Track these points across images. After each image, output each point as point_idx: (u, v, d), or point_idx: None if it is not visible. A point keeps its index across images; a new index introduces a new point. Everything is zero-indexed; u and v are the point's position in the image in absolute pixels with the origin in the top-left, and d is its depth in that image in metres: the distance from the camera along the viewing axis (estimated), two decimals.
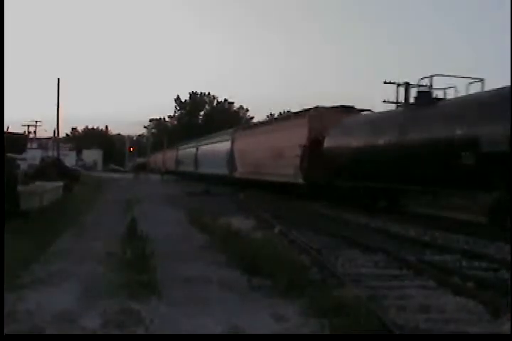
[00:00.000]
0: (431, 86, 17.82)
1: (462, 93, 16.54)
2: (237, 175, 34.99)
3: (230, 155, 36.75)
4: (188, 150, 57.45)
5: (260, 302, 6.08)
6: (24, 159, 33.91)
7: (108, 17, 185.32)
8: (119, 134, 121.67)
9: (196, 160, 50.75)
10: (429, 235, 12.82)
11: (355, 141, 19.84)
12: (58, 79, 39.99)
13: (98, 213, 16.94)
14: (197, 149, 51.26)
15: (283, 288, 6.50)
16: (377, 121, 19.60)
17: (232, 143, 37.04)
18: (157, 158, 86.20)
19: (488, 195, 13.52)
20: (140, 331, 4.97)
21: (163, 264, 8.15)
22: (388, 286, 7.26)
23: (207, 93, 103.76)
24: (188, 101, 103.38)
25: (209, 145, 46.14)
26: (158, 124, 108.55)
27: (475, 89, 16.19)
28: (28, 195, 14.89)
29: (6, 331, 4.73)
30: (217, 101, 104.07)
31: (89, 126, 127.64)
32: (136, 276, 6.99)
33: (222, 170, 38.18)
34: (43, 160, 36.04)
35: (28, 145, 29.36)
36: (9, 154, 13.67)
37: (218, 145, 41.50)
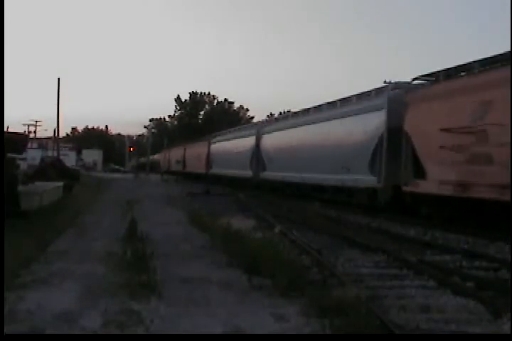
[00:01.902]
0: None
1: None
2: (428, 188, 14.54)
3: (378, 146, 17.51)
4: (234, 141, 37.07)
5: (261, 302, 6.08)
6: (24, 159, 33.97)
7: (108, 16, 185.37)
8: (119, 134, 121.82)
9: (258, 158, 31.03)
10: (429, 235, 12.83)
11: None
12: (58, 78, 40.07)
13: (98, 213, 16.93)
14: (258, 139, 31.58)
15: (283, 288, 6.49)
16: None
17: (392, 116, 16.88)
18: (171, 157, 66.36)
19: None
20: (140, 331, 4.97)
21: (163, 264, 8.15)
22: (388, 286, 7.26)
23: (207, 93, 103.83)
24: (188, 101, 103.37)
25: (295, 131, 26.04)
26: (158, 124, 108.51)
27: None
28: (28, 195, 14.90)
29: (6, 331, 4.72)
30: (217, 101, 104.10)
31: (89, 126, 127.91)
32: (137, 276, 6.98)
33: (345, 176, 19.59)
34: (42, 160, 36.05)
35: (28, 145, 29.39)
36: (9, 154, 13.68)
37: (329, 128, 21.88)
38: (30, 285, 6.62)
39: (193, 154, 51.33)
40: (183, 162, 56.49)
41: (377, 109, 18.18)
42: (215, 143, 43.66)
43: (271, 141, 29.76)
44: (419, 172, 15.22)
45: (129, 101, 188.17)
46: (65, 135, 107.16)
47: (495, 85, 12.59)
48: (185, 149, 56.66)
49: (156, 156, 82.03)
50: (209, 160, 44.15)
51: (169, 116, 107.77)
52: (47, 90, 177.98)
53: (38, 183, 19.89)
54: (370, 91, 20.33)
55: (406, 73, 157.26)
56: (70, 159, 60.54)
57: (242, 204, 22.18)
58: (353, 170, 19.10)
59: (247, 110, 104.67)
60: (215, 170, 41.69)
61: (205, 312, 5.63)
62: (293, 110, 39.07)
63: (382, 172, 17.40)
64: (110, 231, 12.23)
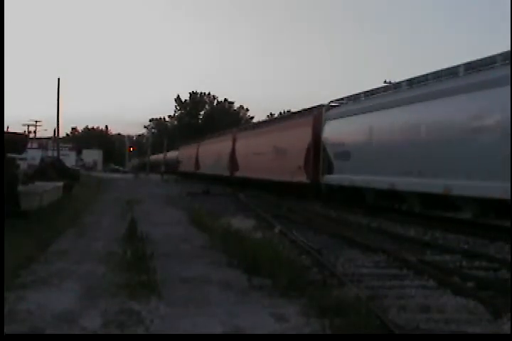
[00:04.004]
0: None
1: None
2: None
3: None
4: (415, 108, 15.69)
5: (260, 302, 6.08)
6: (24, 159, 33.94)
7: (108, 17, 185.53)
8: (119, 134, 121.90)
9: None
10: (429, 235, 12.83)
11: None
12: (58, 78, 40.15)
13: (98, 213, 16.92)
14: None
15: (283, 288, 6.49)
16: None
17: None
18: (201, 153, 46.63)
19: None
20: (140, 331, 4.97)
21: (163, 264, 8.15)
22: (388, 286, 7.26)
23: (207, 93, 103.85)
24: (188, 101, 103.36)
25: None
26: (158, 124, 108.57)
27: None
28: (28, 195, 14.88)
29: (6, 331, 4.72)
30: (217, 101, 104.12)
31: (89, 126, 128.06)
32: (137, 276, 6.98)
33: None
34: (42, 160, 35.99)
35: (28, 145, 29.34)
36: (9, 154, 13.66)
37: None
38: (30, 285, 6.61)
39: (261, 147, 29.46)
40: (231, 161, 35.56)
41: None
42: (329, 120, 21.97)
43: None
44: None
45: (129, 101, 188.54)
46: (65, 135, 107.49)
47: None
48: (234, 140, 35.90)
49: (173, 154, 65.64)
50: (319, 156, 22.32)
51: (169, 116, 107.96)
52: (47, 90, 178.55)
53: (38, 183, 19.87)
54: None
55: (406, 73, 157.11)
56: (70, 159, 60.55)
57: (242, 204, 22.17)
58: None
59: (247, 110, 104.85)
60: (348, 176, 19.68)
61: (205, 312, 5.62)
62: (292, 110, 36.75)
63: None
64: (110, 231, 12.23)
